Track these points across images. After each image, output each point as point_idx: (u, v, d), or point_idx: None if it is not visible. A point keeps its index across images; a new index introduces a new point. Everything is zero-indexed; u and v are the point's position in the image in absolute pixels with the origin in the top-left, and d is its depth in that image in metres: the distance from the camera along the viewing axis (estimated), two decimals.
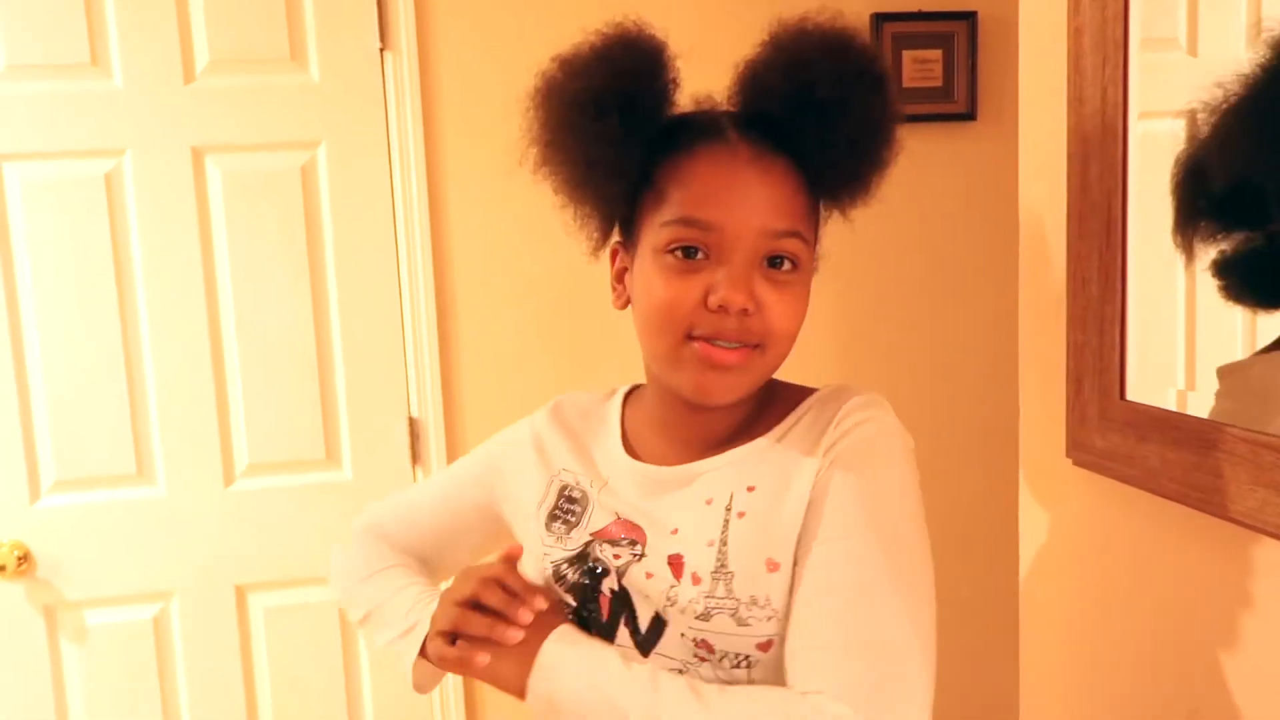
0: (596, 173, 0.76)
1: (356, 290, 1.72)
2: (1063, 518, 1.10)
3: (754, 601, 0.74)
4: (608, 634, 0.79)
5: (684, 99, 0.80)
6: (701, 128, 0.77)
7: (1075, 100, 0.97)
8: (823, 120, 0.74)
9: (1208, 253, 0.85)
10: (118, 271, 1.66)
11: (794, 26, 0.77)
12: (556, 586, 0.84)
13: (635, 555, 0.80)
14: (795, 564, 0.74)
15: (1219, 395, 0.86)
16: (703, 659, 0.76)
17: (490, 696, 1.82)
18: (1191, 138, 0.86)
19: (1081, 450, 1.01)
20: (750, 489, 0.79)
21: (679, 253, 0.75)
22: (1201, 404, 0.87)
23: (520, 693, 0.76)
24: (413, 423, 1.76)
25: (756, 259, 0.75)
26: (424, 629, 0.87)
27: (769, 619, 0.74)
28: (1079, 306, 0.98)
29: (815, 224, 0.81)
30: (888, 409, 0.81)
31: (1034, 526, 1.16)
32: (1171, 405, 0.90)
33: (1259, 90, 0.78)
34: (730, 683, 0.75)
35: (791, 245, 0.76)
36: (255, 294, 1.70)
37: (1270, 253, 0.81)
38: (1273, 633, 0.83)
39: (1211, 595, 0.89)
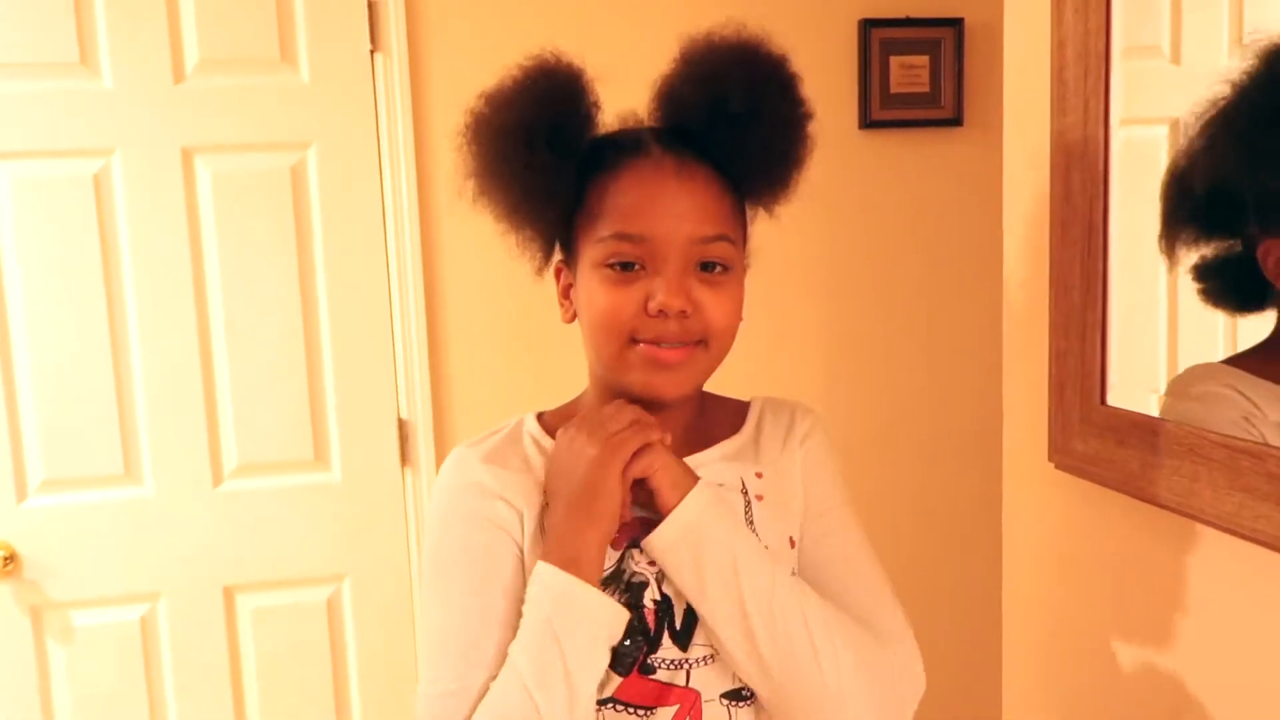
0: (531, 199, 0.81)
1: (346, 291, 1.72)
2: (1045, 520, 1.12)
3: None
4: (654, 643, 0.80)
5: (611, 118, 0.84)
6: (626, 145, 0.81)
7: (1058, 110, 0.99)
8: (738, 127, 0.79)
9: (1190, 257, 0.87)
10: (106, 271, 1.66)
11: (702, 41, 0.81)
12: None
13: None
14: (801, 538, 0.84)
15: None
16: None
17: None
18: (1177, 144, 0.88)
19: (1063, 454, 1.03)
20: (759, 475, 0.85)
21: (616, 266, 0.79)
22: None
23: (682, 492, 0.78)
24: (402, 424, 1.76)
25: (689, 264, 0.79)
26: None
27: None
28: (1061, 313, 1.00)
29: (742, 225, 0.85)
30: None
31: (1017, 529, 1.18)
32: (1153, 410, 0.92)
33: (1244, 98, 0.80)
34: None
35: (720, 249, 0.80)
36: (244, 294, 1.70)
37: (1248, 258, 0.83)
38: (1251, 635, 0.84)
39: (1192, 598, 0.91)
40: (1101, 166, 0.94)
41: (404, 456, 1.77)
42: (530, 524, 0.81)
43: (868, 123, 1.83)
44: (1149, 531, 0.95)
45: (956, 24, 1.83)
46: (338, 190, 1.71)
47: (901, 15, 1.82)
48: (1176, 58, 0.91)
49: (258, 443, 1.72)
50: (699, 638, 0.80)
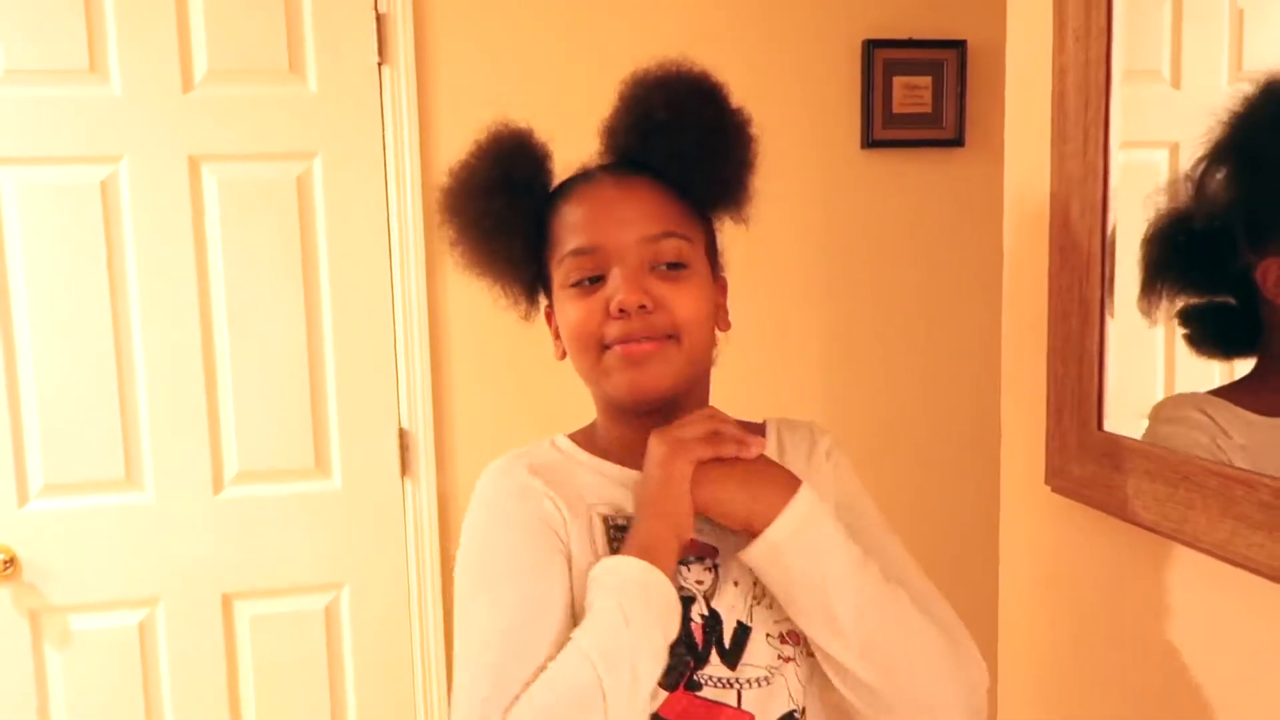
0: (498, 246, 0.88)
1: (349, 300, 1.73)
2: (1042, 543, 1.13)
3: None
4: (701, 659, 0.80)
5: (568, 169, 0.91)
6: (575, 179, 0.89)
7: (1058, 138, 1.00)
8: (665, 136, 0.84)
9: (1173, 304, 0.89)
10: (111, 277, 1.67)
11: (631, 77, 0.87)
12: None
13: (710, 569, 0.83)
14: None
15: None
16: (787, 659, 0.82)
17: None
18: (1164, 192, 0.90)
19: (1060, 478, 1.04)
20: None
21: (581, 283, 0.83)
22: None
23: (773, 514, 0.78)
24: (403, 434, 1.77)
25: (643, 264, 0.82)
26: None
27: None
28: (1059, 339, 1.01)
29: (698, 227, 0.88)
30: None
31: (1014, 550, 1.19)
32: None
33: (1239, 126, 0.82)
34: (812, 676, 0.82)
35: (671, 245, 0.83)
36: (249, 302, 1.71)
37: (1229, 308, 0.85)
38: (1245, 661, 0.85)
39: (1187, 624, 0.92)
40: (1100, 195, 0.95)
41: (404, 466, 1.77)
42: (578, 532, 0.82)
43: (870, 142, 1.85)
44: (1145, 556, 0.95)
45: (959, 46, 1.84)
46: (343, 200, 1.72)
47: (905, 36, 1.84)
48: (1177, 82, 0.92)
49: (259, 450, 1.73)
50: (749, 657, 0.81)
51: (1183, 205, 0.88)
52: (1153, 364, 0.95)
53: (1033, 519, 1.14)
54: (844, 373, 1.90)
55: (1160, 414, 0.93)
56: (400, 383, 1.76)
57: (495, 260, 0.89)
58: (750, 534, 0.79)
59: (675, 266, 0.83)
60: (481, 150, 0.88)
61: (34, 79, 1.63)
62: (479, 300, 1.85)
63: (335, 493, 1.76)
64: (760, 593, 0.83)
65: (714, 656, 0.81)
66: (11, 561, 1.67)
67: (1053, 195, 1.02)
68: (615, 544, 0.82)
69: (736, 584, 0.83)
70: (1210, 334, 0.89)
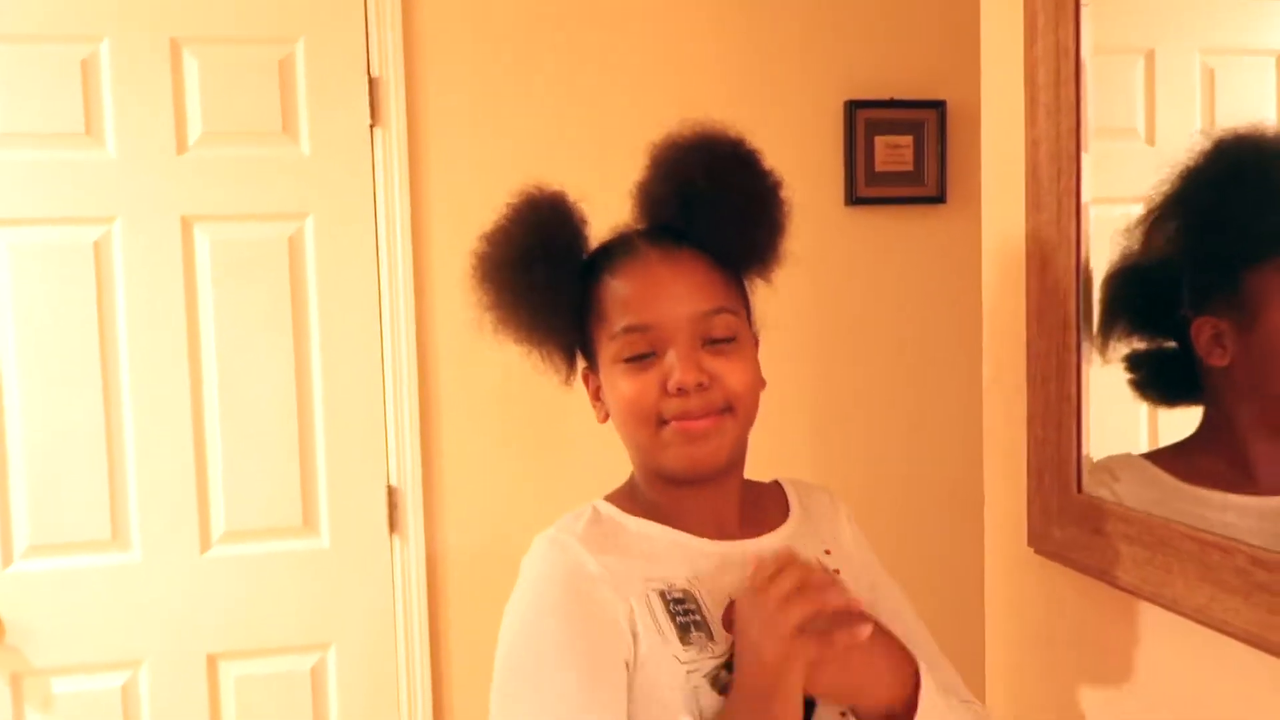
0: (539, 316, 0.88)
1: (340, 359, 1.74)
2: (1026, 605, 1.13)
3: None
4: None
5: (604, 231, 0.91)
6: (616, 249, 0.89)
7: (1033, 207, 1.03)
8: (708, 207, 0.85)
9: (1122, 349, 0.93)
10: (102, 336, 1.68)
11: (665, 142, 0.88)
12: (720, 697, 0.78)
13: None
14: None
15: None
16: None
17: None
18: (1120, 238, 0.93)
19: (1043, 540, 1.04)
20: (827, 552, 0.90)
21: (632, 359, 0.84)
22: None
23: (898, 703, 0.78)
24: (391, 491, 1.77)
25: (696, 340, 0.83)
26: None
27: None
28: (1039, 402, 1.03)
29: (741, 296, 0.90)
30: None
31: (999, 612, 1.19)
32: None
33: (1186, 184, 0.85)
34: None
35: (723, 321, 0.84)
36: (239, 360, 1.72)
37: (1178, 352, 0.88)
38: None
39: (1169, 687, 0.92)
40: (1075, 262, 0.98)
41: (393, 524, 1.77)
42: (643, 616, 0.79)
43: (853, 200, 1.88)
44: (1128, 619, 0.96)
45: (939, 106, 1.89)
46: (334, 260, 1.74)
47: (886, 97, 1.88)
48: (1151, 139, 0.95)
49: (247, 508, 1.73)
50: None
51: (1135, 251, 0.91)
52: (1135, 427, 0.97)
53: (1017, 581, 1.14)
54: (828, 427, 1.91)
55: (1102, 480, 0.97)
56: (390, 440, 1.76)
57: (534, 328, 0.89)
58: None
59: (726, 340, 0.84)
60: (518, 216, 0.88)
61: (29, 141, 1.65)
62: (469, 358, 1.87)
63: (323, 551, 1.75)
64: None
65: None
66: None
67: (1029, 260, 1.04)
68: (678, 618, 0.80)
69: None
70: (1154, 380, 0.91)
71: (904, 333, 1.92)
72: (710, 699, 0.78)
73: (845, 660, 0.76)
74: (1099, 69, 0.97)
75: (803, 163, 1.88)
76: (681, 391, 0.81)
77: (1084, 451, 0.98)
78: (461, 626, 1.80)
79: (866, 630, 0.75)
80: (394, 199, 1.74)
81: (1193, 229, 0.87)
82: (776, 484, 0.96)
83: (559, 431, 1.78)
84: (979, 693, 1.22)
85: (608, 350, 0.86)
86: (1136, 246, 0.91)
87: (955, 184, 1.90)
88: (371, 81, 1.74)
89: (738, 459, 0.88)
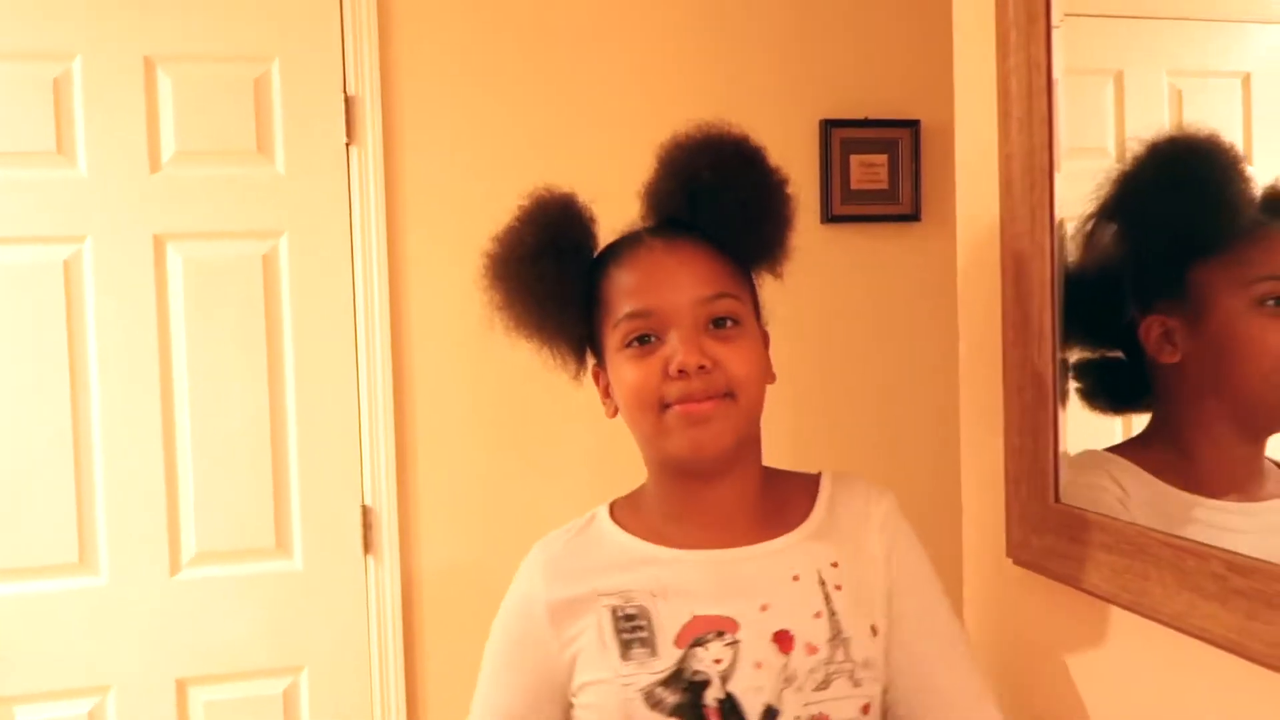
0: (549, 311, 0.89)
1: (314, 378, 1.73)
2: (1006, 614, 1.13)
3: (866, 664, 0.84)
4: None
5: (611, 233, 0.93)
6: (622, 243, 0.91)
7: (1007, 219, 1.04)
8: (714, 200, 0.87)
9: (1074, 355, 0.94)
10: (71, 356, 1.66)
11: (670, 142, 0.91)
12: (654, 713, 0.82)
13: (731, 645, 0.82)
14: (890, 625, 0.87)
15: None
16: None
17: None
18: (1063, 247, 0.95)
19: (1021, 550, 1.04)
20: (834, 564, 0.88)
21: (635, 344, 0.85)
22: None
23: None
24: (366, 511, 1.75)
25: (699, 325, 0.84)
26: None
27: (874, 680, 0.84)
28: (1015, 412, 1.03)
29: (745, 284, 0.91)
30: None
31: (978, 622, 1.19)
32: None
33: (1123, 185, 0.87)
34: None
35: (725, 304, 0.85)
36: (211, 380, 1.70)
37: (1119, 363, 0.90)
38: None
39: (1150, 695, 0.92)
40: (1048, 272, 0.98)
41: (368, 544, 1.75)
42: (587, 628, 0.85)
43: (829, 217, 1.89)
44: (1106, 627, 0.96)
45: (913, 125, 1.91)
46: (309, 279, 1.73)
47: (861, 116, 1.90)
48: (1121, 158, 0.96)
49: (218, 530, 1.70)
50: None
51: (1076, 260, 0.92)
52: (1112, 435, 0.98)
53: (995, 590, 1.14)
54: (806, 443, 1.91)
55: (1076, 479, 0.96)
56: (364, 459, 1.74)
57: (545, 325, 0.90)
58: None
59: (728, 325, 0.85)
60: (528, 216, 0.90)
61: (0, 161, 1.63)
62: (444, 378, 1.86)
63: (296, 573, 1.72)
64: (793, 674, 0.81)
65: None
66: None
67: (1003, 272, 1.05)
68: (623, 634, 0.84)
69: (759, 665, 0.82)
70: (1100, 388, 0.92)
71: (880, 349, 1.93)
72: (643, 713, 0.81)
73: None
74: (1069, 89, 0.98)
75: None
76: (683, 374, 0.82)
77: (1060, 460, 0.98)
78: (437, 649, 1.77)
79: None
80: (370, 218, 1.73)
81: (1135, 230, 0.88)
82: (815, 479, 0.96)
83: (536, 452, 1.77)
84: None
85: (613, 339, 0.87)
86: (1078, 255, 0.93)
87: (930, 202, 1.92)
88: (347, 100, 1.73)
89: (745, 450, 0.89)
